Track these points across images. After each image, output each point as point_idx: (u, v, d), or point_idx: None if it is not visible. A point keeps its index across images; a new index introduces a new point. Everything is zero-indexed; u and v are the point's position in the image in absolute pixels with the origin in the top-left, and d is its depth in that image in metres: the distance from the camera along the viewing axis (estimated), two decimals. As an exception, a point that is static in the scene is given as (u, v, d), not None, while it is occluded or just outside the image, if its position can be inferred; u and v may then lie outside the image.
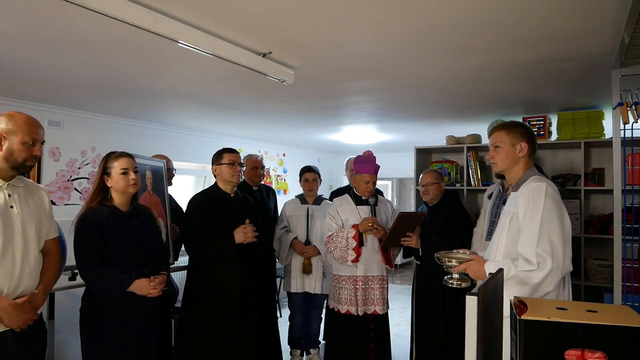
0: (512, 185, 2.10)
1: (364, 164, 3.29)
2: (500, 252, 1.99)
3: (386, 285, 3.33)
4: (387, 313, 3.35)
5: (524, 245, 1.87)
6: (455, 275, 1.96)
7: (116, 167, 2.32)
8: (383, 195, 3.78)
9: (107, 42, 2.33)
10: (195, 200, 3.00)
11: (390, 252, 3.34)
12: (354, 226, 3.22)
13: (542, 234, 1.84)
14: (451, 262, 1.94)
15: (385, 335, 3.36)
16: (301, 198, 3.99)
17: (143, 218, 2.44)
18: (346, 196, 3.42)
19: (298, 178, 4.05)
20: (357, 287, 3.22)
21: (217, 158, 3.02)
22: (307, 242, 3.81)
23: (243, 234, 2.85)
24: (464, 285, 1.92)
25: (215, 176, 3.04)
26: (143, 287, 2.29)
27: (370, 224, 3.18)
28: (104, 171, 2.34)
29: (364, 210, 3.31)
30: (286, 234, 3.85)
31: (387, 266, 3.32)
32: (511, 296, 1.72)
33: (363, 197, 3.33)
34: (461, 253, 2.01)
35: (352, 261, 3.17)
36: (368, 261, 3.24)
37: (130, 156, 2.39)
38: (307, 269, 3.78)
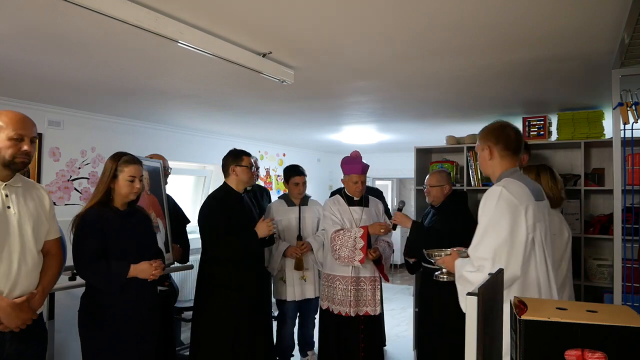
0: None
1: (351, 164, 3.28)
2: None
3: (379, 286, 3.32)
4: (380, 314, 3.34)
5: (471, 248, 1.91)
6: (445, 270, 2.18)
7: (125, 172, 2.35)
8: (383, 195, 3.78)
9: (107, 42, 2.33)
10: (213, 205, 3.04)
11: (384, 266, 3.34)
12: (363, 227, 3.20)
13: (485, 238, 1.84)
14: (440, 255, 2.15)
15: (377, 336, 3.34)
16: (286, 199, 3.82)
17: (140, 218, 2.47)
18: (338, 197, 3.40)
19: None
20: (349, 287, 3.21)
21: (237, 159, 3.08)
22: (300, 237, 3.71)
23: (267, 228, 2.95)
24: (453, 279, 2.03)
25: (228, 175, 3.10)
26: (145, 269, 2.31)
27: (382, 230, 3.18)
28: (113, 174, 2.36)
29: (356, 211, 3.31)
30: (278, 243, 3.68)
31: (384, 279, 3.33)
32: (461, 292, 1.86)
33: (355, 198, 3.33)
34: (449, 250, 2.15)
35: (360, 261, 3.14)
36: (360, 262, 3.24)
37: (139, 163, 2.42)
38: (299, 266, 3.64)
